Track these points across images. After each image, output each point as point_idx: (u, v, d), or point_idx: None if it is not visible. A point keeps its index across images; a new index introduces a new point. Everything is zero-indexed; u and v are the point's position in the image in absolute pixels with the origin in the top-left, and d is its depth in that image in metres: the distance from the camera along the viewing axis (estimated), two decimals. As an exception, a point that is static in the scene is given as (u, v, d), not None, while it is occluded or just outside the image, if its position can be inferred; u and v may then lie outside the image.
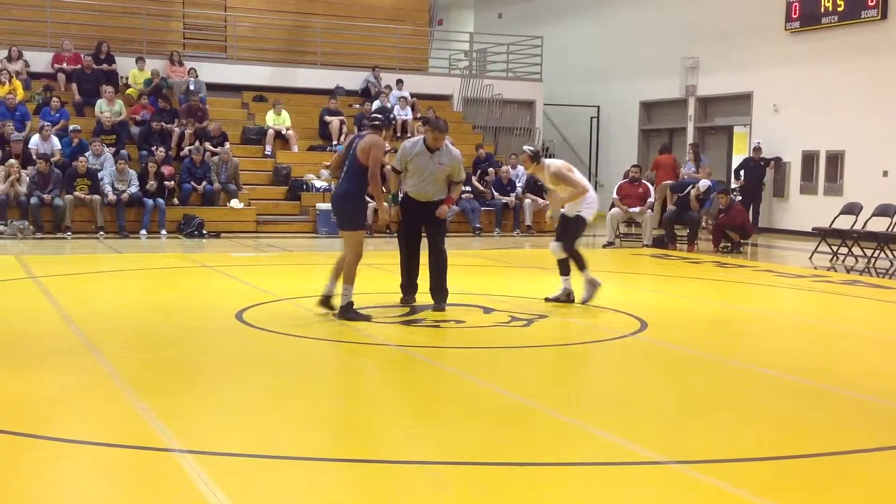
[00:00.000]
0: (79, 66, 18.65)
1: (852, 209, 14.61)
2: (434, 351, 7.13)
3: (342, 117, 19.52)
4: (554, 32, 24.33)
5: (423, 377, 6.34)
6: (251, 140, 18.98)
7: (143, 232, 15.65)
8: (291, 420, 5.07)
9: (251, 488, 3.98)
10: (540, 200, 18.28)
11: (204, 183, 16.60)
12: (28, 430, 4.75)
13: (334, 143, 19.23)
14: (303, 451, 4.50)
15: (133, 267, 12.13)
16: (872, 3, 17.19)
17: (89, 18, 20.12)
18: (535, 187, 18.48)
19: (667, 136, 22.53)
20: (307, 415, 5.18)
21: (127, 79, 19.02)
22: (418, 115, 20.54)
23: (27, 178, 15.32)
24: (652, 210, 16.13)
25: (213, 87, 19.78)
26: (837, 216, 14.63)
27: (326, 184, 17.74)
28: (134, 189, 15.75)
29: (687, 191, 15.67)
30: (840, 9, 17.84)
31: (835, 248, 14.15)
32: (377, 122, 7.99)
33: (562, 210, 8.97)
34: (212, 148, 17.36)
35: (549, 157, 23.13)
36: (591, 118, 24.58)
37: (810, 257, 14.20)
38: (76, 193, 15.34)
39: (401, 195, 8.64)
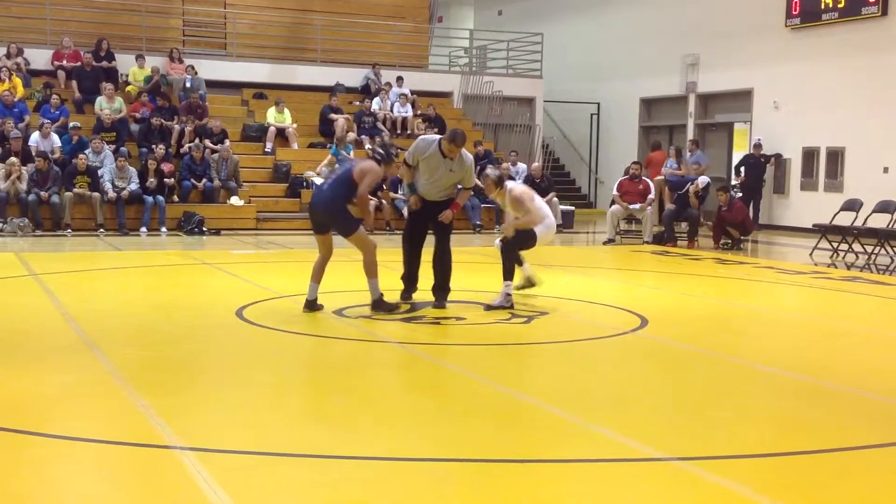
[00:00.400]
0: (79, 63, 18.64)
1: (853, 206, 14.61)
2: (435, 348, 7.13)
3: (346, 115, 19.50)
4: (554, 29, 24.32)
5: (424, 374, 6.34)
6: (251, 137, 18.98)
7: (144, 229, 15.65)
8: (292, 417, 5.07)
9: (252, 486, 3.99)
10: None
11: (204, 180, 16.60)
12: (28, 428, 4.75)
13: (337, 140, 19.17)
14: (303, 449, 4.50)
15: (133, 264, 12.13)
16: (873, 0, 17.18)
17: (89, 15, 20.10)
18: (534, 184, 18.45)
19: (667, 132, 22.53)
20: (308, 412, 5.18)
21: (127, 76, 19.01)
22: (418, 113, 20.54)
23: (27, 176, 15.32)
24: (652, 207, 16.11)
25: (213, 85, 19.77)
26: (838, 213, 14.63)
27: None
28: (134, 186, 15.75)
29: (686, 188, 15.67)
30: (840, 5, 17.83)
31: (835, 245, 14.16)
32: (378, 158, 8.07)
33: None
34: (212, 145, 17.35)
35: (549, 155, 23.21)
36: (592, 115, 24.57)
37: (811, 254, 14.20)
38: (76, 190, 15.34)
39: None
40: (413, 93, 20.89)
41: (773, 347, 7.55)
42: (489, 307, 8.43)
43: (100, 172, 15.76)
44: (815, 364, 6.75)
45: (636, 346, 7.38)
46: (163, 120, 17.53)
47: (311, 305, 8.13)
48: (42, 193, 15.10)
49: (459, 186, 8.62)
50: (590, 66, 24.24)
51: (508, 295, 8.45)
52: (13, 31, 19.42)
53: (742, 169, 18.97)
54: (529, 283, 9.09)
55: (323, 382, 6.02)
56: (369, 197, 8.37)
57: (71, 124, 16.77)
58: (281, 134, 18.96)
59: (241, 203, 16.84)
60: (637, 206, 15.95)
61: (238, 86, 20.62)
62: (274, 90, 20.30)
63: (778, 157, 19.09)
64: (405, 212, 8.48)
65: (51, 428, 4.80)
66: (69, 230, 15.20)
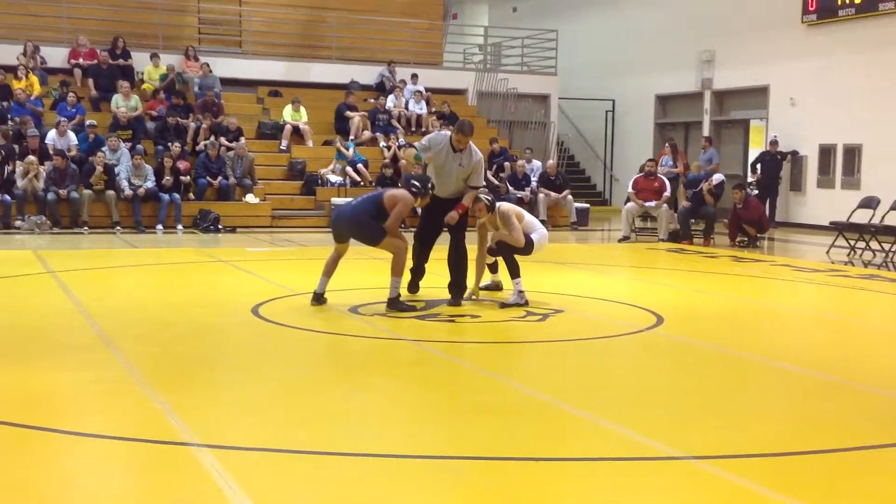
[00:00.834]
0: (95, 61, 18.73)
1: (870, 203, 14.52)
2: (449, 345, 7.13)
3: (362, 113, 19.53)
4: (569, 26, 24.26)
5: (438, 372, 6.34)
6: (266, 135, 19.03)
7: (160, 227, 15.72)
8: (307, 414, 5.09)
9: (268, 482, 4.00)
10: (553, 194, 18.26)
11: (219, 178, 16.66)
12: (45, 424, 4.78)
13: (352, 137, 19.24)
14: (318, 446, 4.51)
15: (149, 262, 12.18)
16: (890, -4, 17.08)
17: (105, 14, 20.19)
18: (549, 182, 18.45)
19: (682, 129, 22.46)
20: (323, 409, 5.19)
21: (143, 74, 19.09)
22: (433, 110, 20.54)
23: (44, 174, 15.41)
24: (667, 204, 16.06)
25: (228, 82, 19.83)
26: (855, 210, 14.55)
27: (340, 178, 17.79)
28: (150, 184, 15.82)
29: (700, 186, 15.61)
30: (857, 1, 17.71)
31: (852, 243, 14.07)
32: (414, 190, 8.16)
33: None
34: (227, 143, 17.41)
35: (564, 152, 23.18)
36: (607, 112, 24.51)
37: (827, 252, 14.12)
38: (94, 188, 15.43)
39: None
40: (427, 90, 20.89)
41: (790, 345, 7.52)
42: (504, 305, 8.44)
43: (116, 170, 15.84)
44: (833, 362, 6.71)
45: (651, 343, 7.36)
46: (178, 118, 17.59)
47: (318, 298, 8.26)
48: (61, 191, 15.19)
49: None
50: (605, 63, 24.18)
51: (521, 292, 8.45)
52: (30, 29, 19.53)
53: (758, 166, 18.90)
54: (496, 286, 9.17)
55: (338, 380, 6.04)
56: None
57: (87, 122, 16.85)
58: (296, 131, 19.00)
59: (256, 201, 16.89)
60: (652, 203, 15.91)
61: (253, 83, 20.67)
62: (289, 88, 20.35)
63: (794, 154, 19.00)
64: (418, 205, 8.48)
65: (68, 424, 4.83)
66: (86, 228, 15.28)
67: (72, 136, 16.40)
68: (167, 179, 15.94)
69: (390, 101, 20.01)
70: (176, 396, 5.26)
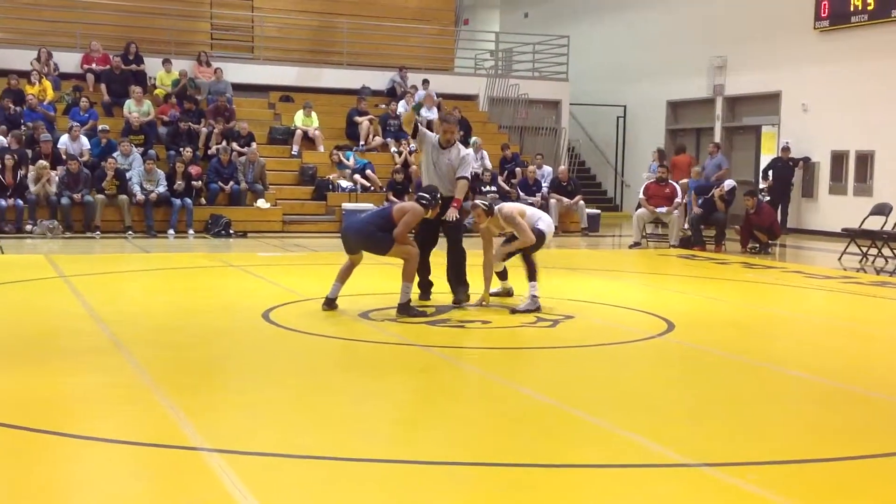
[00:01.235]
0: (108, 66, 18.82)
1: (882, 210, 14.46)
2: (459, 351, 7.13)
3: (371, 117, 19.58)
4: (580, 32, 24.26)
5: (448, 378, 6.34)
6: (277, 140, 19.08)
7: (171, 231, 15.77)
8: (318, 419, 5.09)
9: (278, 487, 4.00)
10: (565, 200, 18.25)
11: (231, 183, 16.70)
12: (56, 429, 4.79)
13: (361, 143, 19.28)
14: (328, 451, 4.51)
15: (161, 266, 12.22)
16: (903, 2, 17.02)
17: (118, 19, 20.30)
18: (560, 187, 18.44)
19: (694, 135, 22.42)
20: (333, 414, 5.19)
21: (155, 79, 19.17)
22: (443, 115, 20.56)
23: (56, 179, 15.48)
24: (678, 210, 16.02)
25: (240, 88, 19.90)
26: (867, 217, 14.48)
27: (351, 184, 17.81)
28: (162, 189, 15.87)
29: (711, 192, 15.57)
30: (870, 7, 17.66)
31: (864, 249, 14.01)
32: (423, 202, 8.23)
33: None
34: (239, 148, 17.45)
35: (575, 158, 23.15)
36: (618, 118, 24.48)
37: (839, 258, 14.06)
38: (106, 193, 15.50)
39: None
40: (438, 96, 20.91)
41: (802, 352, 7.49)
42: (515, 311, 8.42)
43: (128, 175, 15.90)
44: (845, 369, 6.68)
45: (662, 350, 7.33)
46: (190, 123, 17.66)
47: (330, 304, 8.29)
48: (75, 196, 15.25)
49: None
50: (616, 69, 24.15)
51: (535, 297, 8.45)
52: (44, 34, 19.64)
53: (770, 172, 18.84)
54: (507, 293, 9.16)
55: (348, 384, 6.03)
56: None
57: (100, 127, 16.93)
58: (307, 137, 19.05)
59: (267, 206, 16.93)
60: (663, 209, 15.87)
61: (265, 89, 20.73)
62: (300, 93, 20.40)
63: (806, 160, 18.94)
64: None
65: (79, 428, 4.85)
66: (98, 232, 15.34)
67: (84, 140, 16.47)
68: (179, 184, 15.99)
69: (401, 107, 20.03)
70: (187, 401, 5.27)
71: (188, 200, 16.00)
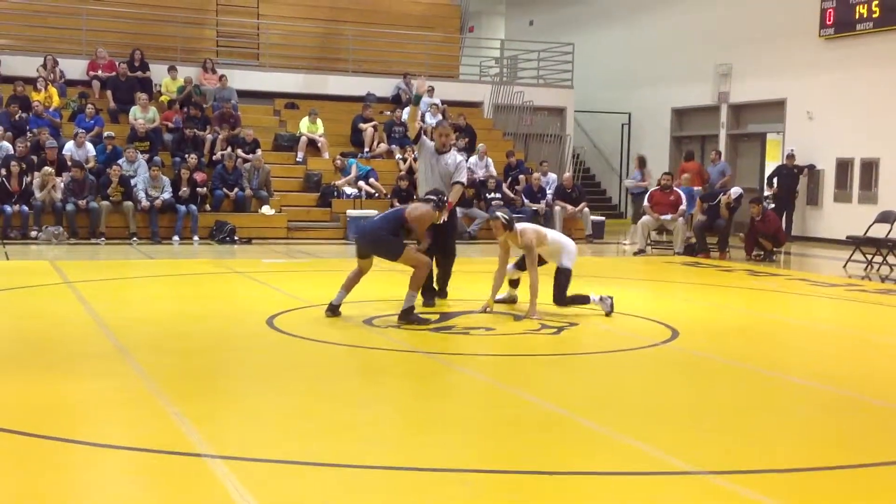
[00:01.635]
0: (113, 73, 18.89)
1: (887, 217, 14.44)
2: (464, 358, 7.12)
3: (375, 123, 19.61)
4: (585, 39, 24.28)
5: (454, 384, 6.33)
6: (283, 147, 19.11)
7: (176, 238, 15.79)
8: (323, 426, 5.08)
9: (282, 494, 4.00)
10: (569, 207, 18.25)
11: (236, 189, 16.73)
12: (61, 435, 4.80)
13: (366, 150, 19.30)
14: (333, 458, 4.51)
15: (165, 273, 12.23)
16: (908, 10, 17.02)
17: (124, 26, 20.36)
18: (565, 194, 18.44)
19: (699, 143, 22.42)
20: (339, 421, 5.19)
21: (160, 86, 19.22)
22: (449, 122, 20.55)
23: (62, 185, 15.52)
24: (683, 218, 16.01)
25: (246, 95, 19.96)
26: (872, 224, 14.47)
27: (356, 190, 17.83)
28: (167, 195, 15.90)
29: (717, 199, 15.57)
30: (875, 15, 17.67)
31: (869, 257, 13.99)
32: (433, 202, 8.28)
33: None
34: (244, 154, 17.49)
35: (580, 165, 23.15)
36: (623, 125, 24.49)
37: (844, 266, 14.05)
38: (111, 199, 15.53)
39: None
40: (444, 103, 20.93)
41: (806, 360, 7.48)
42: (518, 318, 8.46)
43: (133, 181, 15.94)
44: (850, 377, 6.67)
45: (667, 357, 7.32)
46: (196, 130, 17.69)
47: (334, 310, 8.30)
48: (80, 202, 15.29)
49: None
50: (621, 76, 24.17)
51: (602, 299, 8.76)
52: (49, 41, 19.71)
53: (775, 180, 18.83)
54: (511, 300, 9.20)
55: (352, 391, 6.03)
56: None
57: (105, 134, 16.98)
58: (312, 144, 19.08)
59: (272, 212, 16.95)
60: (668, 217, 15.87)
61: (270, 96, 20.78)
62: (305, 100, 20.45)
63: (811, 167, 18.93)
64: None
65: (83, 435, 4.85)
66: (103, 238, 15.36)
67: (90, 147, 16.51)
68: (184, 191, 16.02)
69: (405, 114, 20.03)
70: (191, 407, 5.27)
71: (193, 207, 16.02)
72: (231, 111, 18.47)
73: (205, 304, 9.54)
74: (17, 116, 16.88)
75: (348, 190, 17.92)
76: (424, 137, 9.46)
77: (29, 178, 15.49)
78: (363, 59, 22.08)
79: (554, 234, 9.02)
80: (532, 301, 8.50)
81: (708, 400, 6.00)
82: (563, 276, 8.71)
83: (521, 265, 8.96)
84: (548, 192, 18.73)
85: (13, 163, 15.30)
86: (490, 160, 19.12)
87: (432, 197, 8.34)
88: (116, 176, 15.66)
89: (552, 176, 19.31)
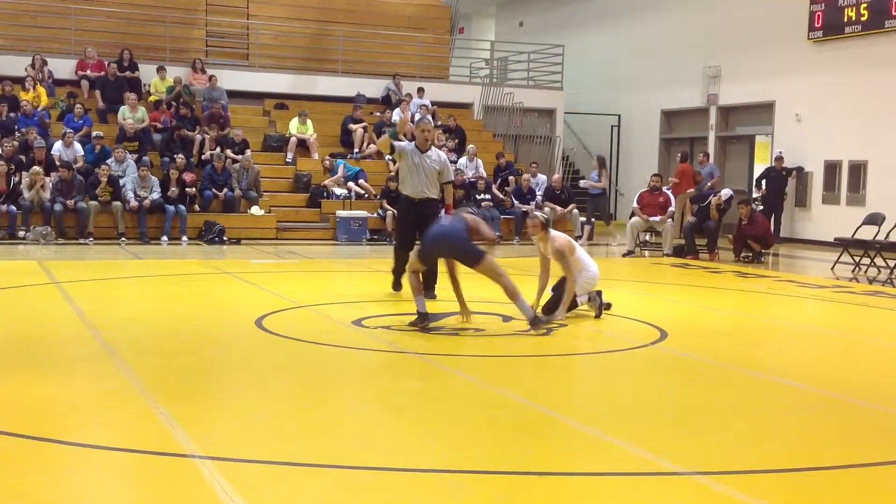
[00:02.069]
0: (102, 73, 18.82)
1: (875, 219, 14.50)
2: (453, 359, 7.12)
3: (365, 124, 19.60)
4: (575, 41, 24.32)
5: (443, 385, 6.33)
6: (272, 147, 19.08)
7: (165, 238, 15.75)
8: (311, 427, 5.08)
9: (270, 495, 3.99)
10: (559, 209, 18.27)
11: (225, 190, 16.69)
12: (49, 436, 4.78)
13: (356, 151, 19.29)
14: (322, 459, 4.50)
15: (154, 273, 12.20)
16: (896, 13, 17.09)
17: (113, 26, 20.30)
18: (554, 196, 18.47)
19: (688, 145, 22.47)
20: (326, 422, 5.19)
21: (149, 86, 19.17)
22: (439, 124, 20.58)
23: (50, 185, 15.46)
24: (672, 219, 16.05)
25: (235, 95, 19.91)
26: (860, 226, 14.53)
27: (345, 191, 17.81)
28: (155, 195, 15.86)
29: (707, 201, 15.61)
30: (863, 18, 17.75)
31: (857, 259, 14.05)
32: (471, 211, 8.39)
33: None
34: (233, 155, 17.45)
35: (569, 166, 23.17)
36: (612, 127, 24.54)
37: (832, 268, 14.10)
38: (100, 199, 15.48)
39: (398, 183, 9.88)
40: (434, 104, 20.94)
41: (795, 361, 7.50)
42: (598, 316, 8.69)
43: (122, 181, 15.89)
44: (837, 378, 6.70)
45: (656, 358, 7.34)
46: (185, 130, 17.65)
47: (424, 319, 7.91)
48: (68, 202, 15.23)
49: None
50: (611, 78, 24.23)
51: (591, 297, 8.76)
52: (38, 41, 19.63)
53: (763, 182, 18.89)
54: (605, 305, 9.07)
55: (342, 392, 6.03)
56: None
57: (94, 133, 16.92)
58: (302, 144, 19.05)
59: (261, 213, 16.92)
60: (657, 218, 15.91)
61: (260, 96, 20.74)
62: (295, 101, 20.42)
63: (800, 170, 19.00)
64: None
65: (71, 436, 4.83)
66: (91, 239, 15.31)
67: (78, 147, 16.45)
68: (173, 191, 15.98)
69: (396, 115, 20.04)
70: (179, 408, 5.26)
71: (182, 207, 15.98)
72: (220, 111, 18.43)
73: (193, 304, 9.52)
74: (4, 116, 16.79)
75: (338, 191, 17.91)
76: (397, 143, 9.70)
77: (17, 178, 15.42)
78: (353, 60, 22.06)
79: (582, 253, 8.86)
80: (562, 306, 8.41)
81: (696, 401, 6.01)
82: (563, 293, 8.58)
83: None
84: (537, 193, 18.76)
85: (1, 163, 15.23)
86: (480, 161, 19.14)
87: (472, 209, 8.42)
88: (105, 176, 15.61)
89: (542, 177, 19.34)
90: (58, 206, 15.19)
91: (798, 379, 6.58)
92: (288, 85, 21.00)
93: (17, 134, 16.47)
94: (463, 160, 19.00)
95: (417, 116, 20.02)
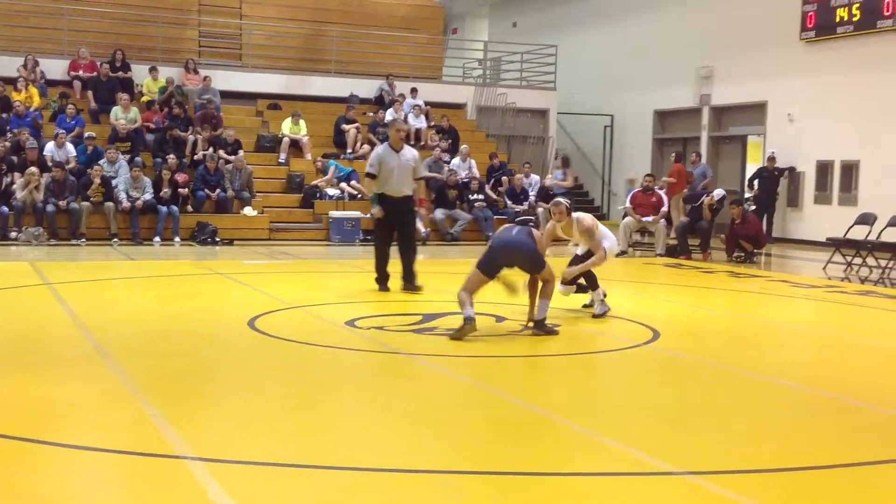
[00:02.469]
0: (95, 73, 18.77)
1: (867, 219, 14.54)
2: (445, 359, 7.12)
3: (358, 125, 19.60)
4: (568, 41, 24.34)
5: (436, 386, 6.33)
6: (265, 148, 19.05)
7: (157, 239, 15.72)
8: (303, 428, 5.08)
9: (262, 497, 3.99)
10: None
11: (217, 190, 16.66)
12: (41, 437, 4.77)
13: (349, 151, 19.28)
14: (314, 460, 4.50)
15: (146, 274, 12.18)
16: (888, 13, 17.13)
17: (106, 26, 20.25)
18: (547, 196, 18.46)
19: (681, 145, 22.50)
20: (319, 423, 5.18)
21: (142, 87, 19.13)
22: (432, 124, 20.59)
23: (43, 185, 15.41)
24: (665, 219, 16.07)
25: (228, 95, 19.87)
26: (852, 226, 14.57)
27: (338, 192, 17.79)
28: (148, 196, 15.82)
29: (700, 201, 15.64)
30: (856, 18, 17.78)
31: (849, 259, 14.09)
32: (533, 224, 8.35)
33: (577, 250, 9.07)
34: (226, 155, 17.42)
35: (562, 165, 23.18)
36: (605, 127, 24.56)
37: (824, 268, 14.13)
38: (92, 200, 15.44)
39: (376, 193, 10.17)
40: (427, 104, 20.94)
41: (787, 361, 7.52)
42: (595, 315, 8.76)
43: (114, 182, 15.85)
44: (830, 378, 6.71)
45: (648, 358, 7.35)
46: (178, 130, 17.62)
47: (470, 322, 7.76)
48: (60, 203, 15.19)
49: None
50: (604, 78, 24.25)
51: (603, 301, 8.84)
52: (31, 41, 19.57)
53: (756, 182, 18.93)
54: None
55: (334, 393, 6.03)
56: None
57: (86, 134, 16.88)
58: (295, 145, 19.03)
59: (254, 213, 16.89)
60: (650, 218, 15.92)
61: (253, 96, 20.71)
62: (288, 101, 20.39)
63: (792, 170, 19.03)
64: (375, 212, 10.16)
65: (63, 437, 4.82)
66: (83, 239, 15.27)
67: (70, 147, 16.41)
68: (165, 192, 15.94)
69: (389, 115, 20.04)
70: (171, 409, 5.25)
71: (174, 208, 15.95)
72: (213, 112, 18.40)
73: (185, 305, 9.50)
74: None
75: (330, 191, 17.89)
76: (375, 152, 10.30)
77: (9, 179, 15.38)
78: (346, 61, 22.04)
79: (603, 227, 9.21)
80: (582, 266, 8.74)
81: (689, 401, 6.02)
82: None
83: (572, 282, 8.99)
84: (530, 193, 18.76)
85: (-7, 163, 15.20)
86: (473, 161, 19.14)
87: (531, 219, 8.49)
88: (97, 176, 15.56)
89: (535, 177, 19.34)
90: (50, 207, 15.15)
91: (791, 379, 6.59)
92: (281, 85, 20.98)
93: (8, 134, 16.41)
94: (456, 160, 19.00)
95: (411, 117, 20.18)
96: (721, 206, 15.75)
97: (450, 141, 19.82)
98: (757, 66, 19.87)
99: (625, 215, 16.42)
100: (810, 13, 18.71)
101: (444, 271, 9.60)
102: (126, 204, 15.61)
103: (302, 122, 19.19)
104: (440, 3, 24.24)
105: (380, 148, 10.38)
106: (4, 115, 16.92)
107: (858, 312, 10.19)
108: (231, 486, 4.02)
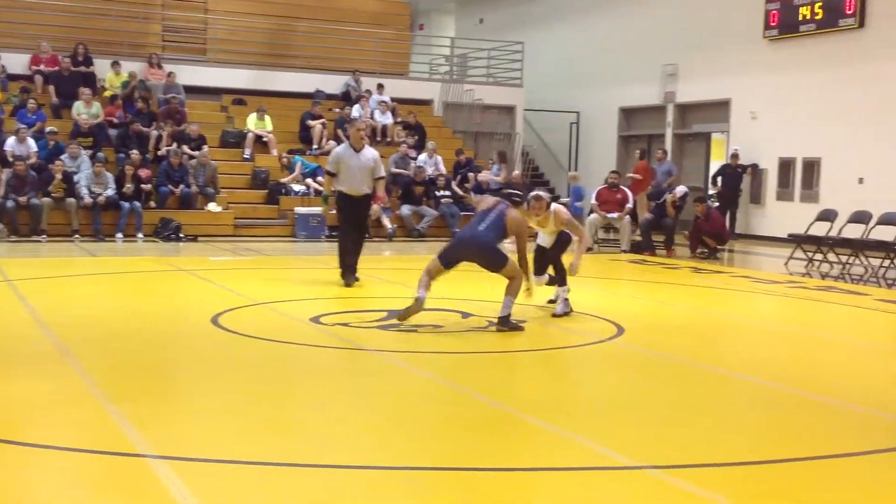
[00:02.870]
0: (56, 67, 18.54)
1: (828, 216, 14.73)
2: (411, 356, 7.11)
3: (324, 120, 19.53)
4: (535, 38, 24.40)
5: (400, 382, 6.32)
6: (230, 143, 18.92)
7: (120, 235, 15.56)
8: (267, 426, 5.05)
9: (226, 495, 3.96)
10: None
11: (181, 186, 16.52)
12: (0, 436, 4.71)
13: (314, 147, 19.21)
14: (279, 458, 4.47)
15: (109, 270, 12.05)
16: (850, 12, 17.35)
17: (68, 20, 20.00)
18: (482, 192, 18.50)
19: (646, 142, 22.66)
20: (284, 420, 5.16)
21: (104, 81, 18.92)
22: (398, 120, 20.56)
23: (4, 181, 15.20)
24: (630, 216, 16.16)
25: (193, 90, 19.70)
26: (813, 223, 14.74)
27: (304, 188, 17.71)
28: (110, 192, 15.65)
29: (663, 198, 15.75)
30: (818, 17, 17.99)
31: (810, 255, 14.26)
32: (516, 199, 8.33)
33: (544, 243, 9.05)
34: (190, 151, 17.28)
35: (529, 162, 23.26)
36: (571, 124, 24.66)
37: (786, 263, 14.30)
38: (53, 195, 15.24)
39: (333, 193, 10.52)
40: (393, 100, 20.91)
41: (750, 356, 7.59)
42: (554, 314, 8.69)
43: (76, 178, 15.66)
44: (791, 373, 6.79)
45: (613, 354, 7.39)
46: (141, 125, 17.44)
47: (420, 302, 7.80)
48: (20, 199, 14.99)
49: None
50: (570, 75, 24.34)
51: (566, 300, 8.80)
52: (-9, 34, 19.30)
53: (719, 179, 19.10)
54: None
55: (299, 390, 6.00)
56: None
57: (48, 129, 16.66)
58: (260, 140, 18.92)
59: (218, 209, 16.77)
60: (615, 215, 16.01)
61: (217, 91, 20.55)
62: (254, 96, 20.26)
63: (755, 167, 19.22)
64: (330, 208, 10.87)
65: (23, 436, 4.76)
66: (44, 236, 15.08)
67: (31, 142, 16.19)
68: (128, 187, 15.78)
69: (356, 111, 19.99)
70: (133, 407, 5.20)
71: (137, 204, 15.80)
72: (177, 107, 18.24)
73: (148, 302, 9.42)
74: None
75: (296, 187, 17.82)
76: (335, 151, 10.51)
77: (-31, 175, 15.16)
78: (313, 56, 21.94)
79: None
80: (578, 254, 8.77)
81: (652, 396, 6.06)
82: (562, 245, 8.91)
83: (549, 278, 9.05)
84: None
85: (-48, 158, 14.96)
86: (440, 158, 19.14)
87: (517, 194, 8.42)
88: (59, 172, 15.38)
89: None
90: (10, 203, 14.94)
91: (752, 373, 6.65)
92: (246, 80, 20.84)
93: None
94: (423, 157, 18.99)
95: (378, 114, 20.13)
96: (684, 203, 15.87)
97: (416, 137, 19.81)
98: (721, 64, 20.05)
99: (590, 212, 16.49)
100: (774, 11, 18.90)
101: (409, 267, 9.59)
102: (88, 200, 15.43)
103: (267, 117, 19.08)
104: (407, -1, 24.22)
105: (340, 147, 10.62)
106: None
107: (819, 308, 10.32)
108: (194, 485, 3.99)
